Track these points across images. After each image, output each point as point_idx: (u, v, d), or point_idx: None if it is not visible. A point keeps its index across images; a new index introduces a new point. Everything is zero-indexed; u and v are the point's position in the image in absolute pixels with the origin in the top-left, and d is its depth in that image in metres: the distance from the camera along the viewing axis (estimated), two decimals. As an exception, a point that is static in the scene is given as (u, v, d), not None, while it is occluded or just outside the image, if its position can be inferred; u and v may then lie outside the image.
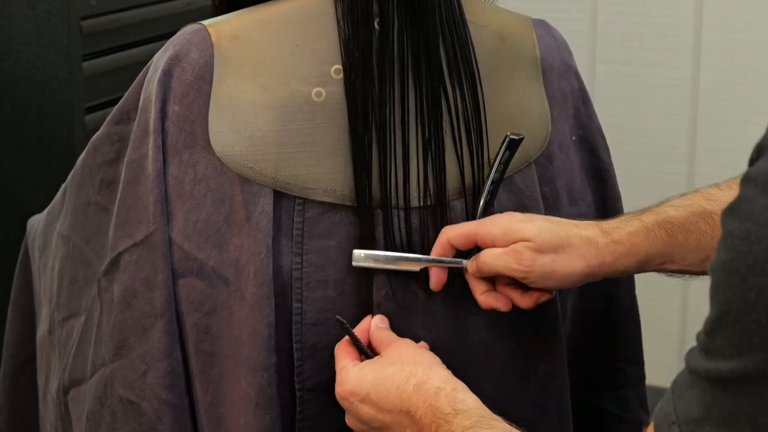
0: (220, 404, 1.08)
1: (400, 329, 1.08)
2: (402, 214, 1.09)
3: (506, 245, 1.07)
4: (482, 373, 1.13)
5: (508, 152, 1.10)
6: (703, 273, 1.10)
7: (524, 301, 1.09)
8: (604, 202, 1.25)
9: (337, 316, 1.06)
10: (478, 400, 0.98)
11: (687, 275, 1.12)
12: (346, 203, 1.07)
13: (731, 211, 0.71)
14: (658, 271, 1.11)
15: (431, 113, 1.08)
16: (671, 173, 2.48)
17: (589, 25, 2.48)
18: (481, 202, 1.11)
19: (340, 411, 1.05)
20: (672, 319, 2.50)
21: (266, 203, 1.05)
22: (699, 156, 2.45)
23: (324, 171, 1.07)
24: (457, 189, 1.11)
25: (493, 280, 1.10)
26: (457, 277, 1.10)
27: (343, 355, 1.06)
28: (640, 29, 2.44)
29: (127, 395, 1.09)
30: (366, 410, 1.01)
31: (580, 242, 1.07)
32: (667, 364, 2.45)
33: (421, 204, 1.09)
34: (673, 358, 2.49)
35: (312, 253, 1.07)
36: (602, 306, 1.25)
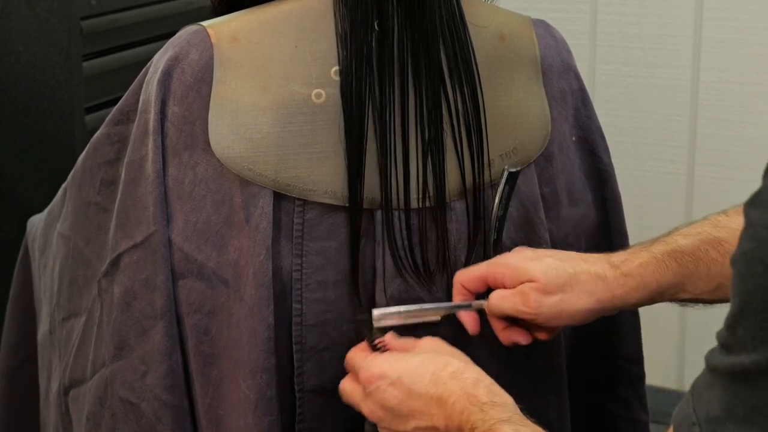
0: (219, 406, 1.07)
1: (404, 331, 1.08)
2: (402, 215, 1.09)
3: (515, 285, 1.06)
4: (488, 372, 1.13)
5: (507, 187, 1.09)
6: (717, 301, 1.09)
7: (542, 333, 1.09)
8: (604, 202, 1.24)
9: (366, 337, 1.05)
10: (513, 399, 0.97)
11: (701, 304, 1.11)
12: (347, 204, 1.07)
13: (754, 202, 0.71)
14: (672, 300, 1.10)
15: (431, 115, 1.08)
16: (671, 173, 2.48)
17: (589, 25, 2.48)
18: (492, 241, 1.10)
19: (340, 413, 1.05)
20: (672, 319, 2.50)
21: (266, 205, 1.05)
22: (699, 156, 2.45)
23: (324, 172, 1.07)
24: (458, 190, 1.10)
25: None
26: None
27: (363, 351, 1.05)
28: (640, 29, 2.44)
29: (127, 396, 1.09)
30: (395, 394, 0.99)
31: (588, 278, 1.05)
32: (667, 364, 2.45)
33: (420, 205, 1.09)
34: (673, 358, 2.49)
35: (312, 255, 1.07)
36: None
